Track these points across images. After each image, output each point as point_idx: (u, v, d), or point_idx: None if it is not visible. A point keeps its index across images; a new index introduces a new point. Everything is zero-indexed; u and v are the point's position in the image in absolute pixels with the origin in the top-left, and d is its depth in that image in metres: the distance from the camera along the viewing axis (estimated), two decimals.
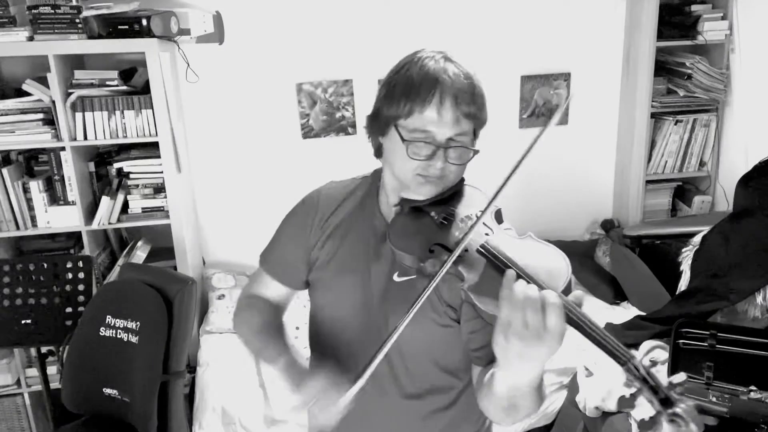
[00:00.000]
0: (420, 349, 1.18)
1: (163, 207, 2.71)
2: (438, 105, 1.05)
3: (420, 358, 1.19)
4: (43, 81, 2.50)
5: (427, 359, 1.19)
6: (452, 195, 1.14)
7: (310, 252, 1.25)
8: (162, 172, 2.65)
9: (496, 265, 0.97)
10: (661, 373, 0.89)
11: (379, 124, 1.14)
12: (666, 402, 0.83)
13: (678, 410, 0.82)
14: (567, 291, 0.93)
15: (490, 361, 1.09)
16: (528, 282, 0.91)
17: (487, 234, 1.03)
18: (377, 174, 1.27)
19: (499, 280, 0.93)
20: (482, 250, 1.00)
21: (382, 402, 1.21)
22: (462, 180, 1.17)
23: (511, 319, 0.87)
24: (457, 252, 0.97)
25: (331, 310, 1.24)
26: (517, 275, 0.93)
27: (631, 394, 0.86)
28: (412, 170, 1.09)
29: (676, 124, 3.27)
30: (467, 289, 0.98)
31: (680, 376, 0.86)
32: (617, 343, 0.86)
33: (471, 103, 1.07)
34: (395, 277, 1.13)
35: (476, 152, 1.11)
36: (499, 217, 1.12)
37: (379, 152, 1.19)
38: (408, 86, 1.07)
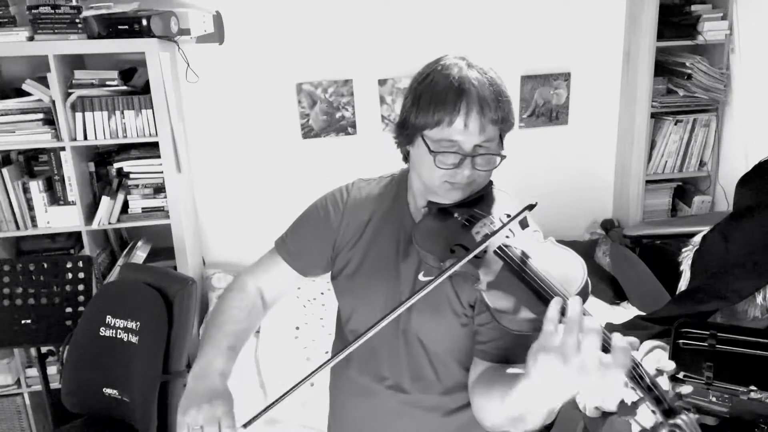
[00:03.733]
0: (444, 348, 1.19)
1: (163, 207, 2.71)
2: (465, 116, 1.05)
3: (444, 356, 1.20)
4: (43, 81, 2.50)
5: (452, 358, 1.20)
6: (479, 198, 1.14)
7: (334, 249, 1.25)
8: (162, 172, 2.65)
9: (512, 267, 0.97)
10: (662, 379, 0.86)
11: (406, 132, 1.14)
12: (669, 413, 0.79)
13: (679, 422, 0.78)
14: (583, 297, 0.90)
15: (496, 358, 1.10)
16: (542, 288, 0.90)
17: (507, 237, 1.02)
18: (404, 175, 1.27)
19: (514, 281, 0.93)
20: (499, 252, 1.00)
21: (403, 399, 1.22)
22: (490, 183, 1.18)
23: (565, 339, 0.83)
24: (473, 254, 0.97)
25: (363, 313, 1.24)
26: (530, 280, 0.92)
27: (633, 402, 0.82)
28: (439, 178, 1.10)
29: (676, 124, 3.27)
30: (480, 288, 0.98)
31: (687, 388, 0.83)
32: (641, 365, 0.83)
33: (497, 110, 1.07)
34: (421, 277, 1.14)
35: (504, 157, 1.11)
36: (524, 221, 1.11)
37: (407, 159, 1.20)
38: (434, 97, 1.07)
